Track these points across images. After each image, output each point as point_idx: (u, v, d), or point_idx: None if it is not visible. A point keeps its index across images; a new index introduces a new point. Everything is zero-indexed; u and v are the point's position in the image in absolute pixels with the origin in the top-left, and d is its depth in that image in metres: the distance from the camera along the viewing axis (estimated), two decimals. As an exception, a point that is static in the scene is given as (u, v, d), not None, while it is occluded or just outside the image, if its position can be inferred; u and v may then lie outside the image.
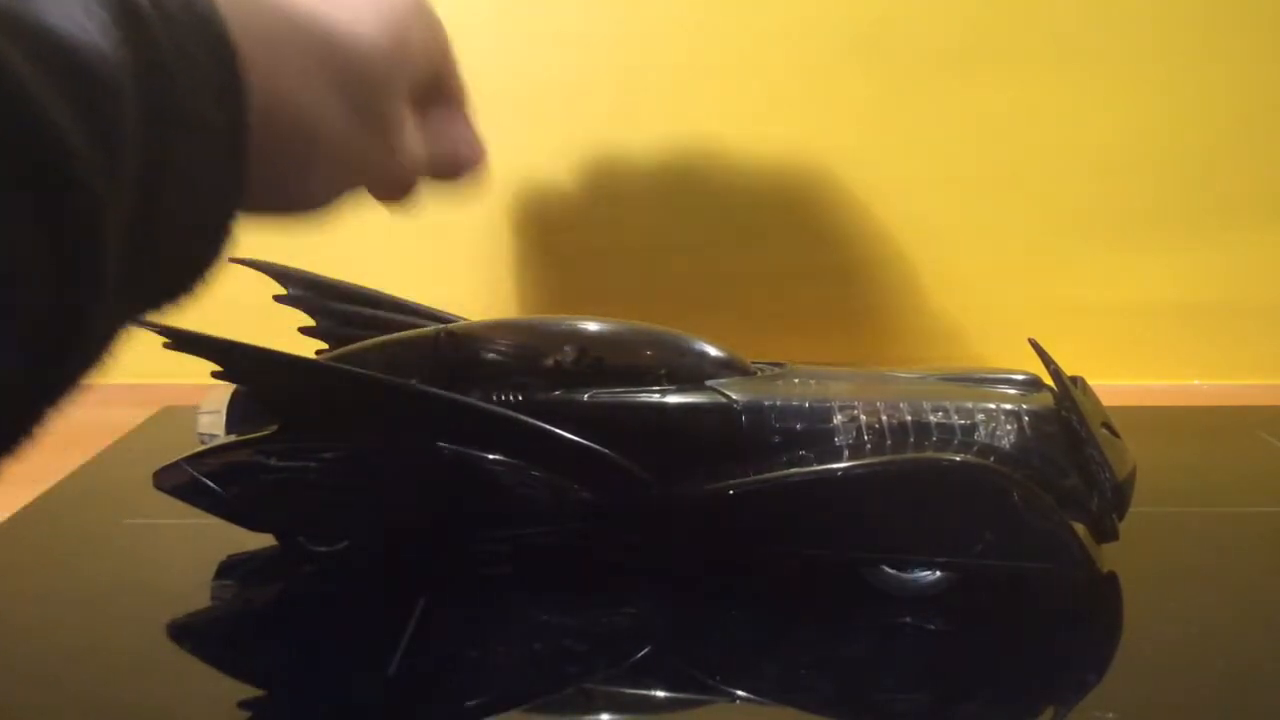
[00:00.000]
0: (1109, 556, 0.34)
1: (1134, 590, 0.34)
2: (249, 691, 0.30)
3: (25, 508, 0.40)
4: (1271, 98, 0.56)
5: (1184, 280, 0.58)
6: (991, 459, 0.32)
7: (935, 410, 0.33)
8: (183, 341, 0.32)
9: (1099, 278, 0.58)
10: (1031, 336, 0.35)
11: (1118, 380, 0.59)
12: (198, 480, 0.34)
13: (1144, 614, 0.33)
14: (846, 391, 0.34)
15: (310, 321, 0.41)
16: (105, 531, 0.39)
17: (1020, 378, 0.36)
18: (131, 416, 0.49)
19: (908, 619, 0.32)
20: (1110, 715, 0.27)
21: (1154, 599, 0.34)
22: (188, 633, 0.33)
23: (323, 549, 0.36)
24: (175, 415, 0.49)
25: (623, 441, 0.33)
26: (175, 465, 0.35)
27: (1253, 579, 0.35)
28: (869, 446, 0.33)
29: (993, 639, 0.32)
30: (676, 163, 0.58)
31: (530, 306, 0.59)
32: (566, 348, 0.34)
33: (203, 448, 0.35)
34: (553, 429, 0.32)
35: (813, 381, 0.35)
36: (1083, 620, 0.33)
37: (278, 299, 0.41)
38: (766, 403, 0.34)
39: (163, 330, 0.31)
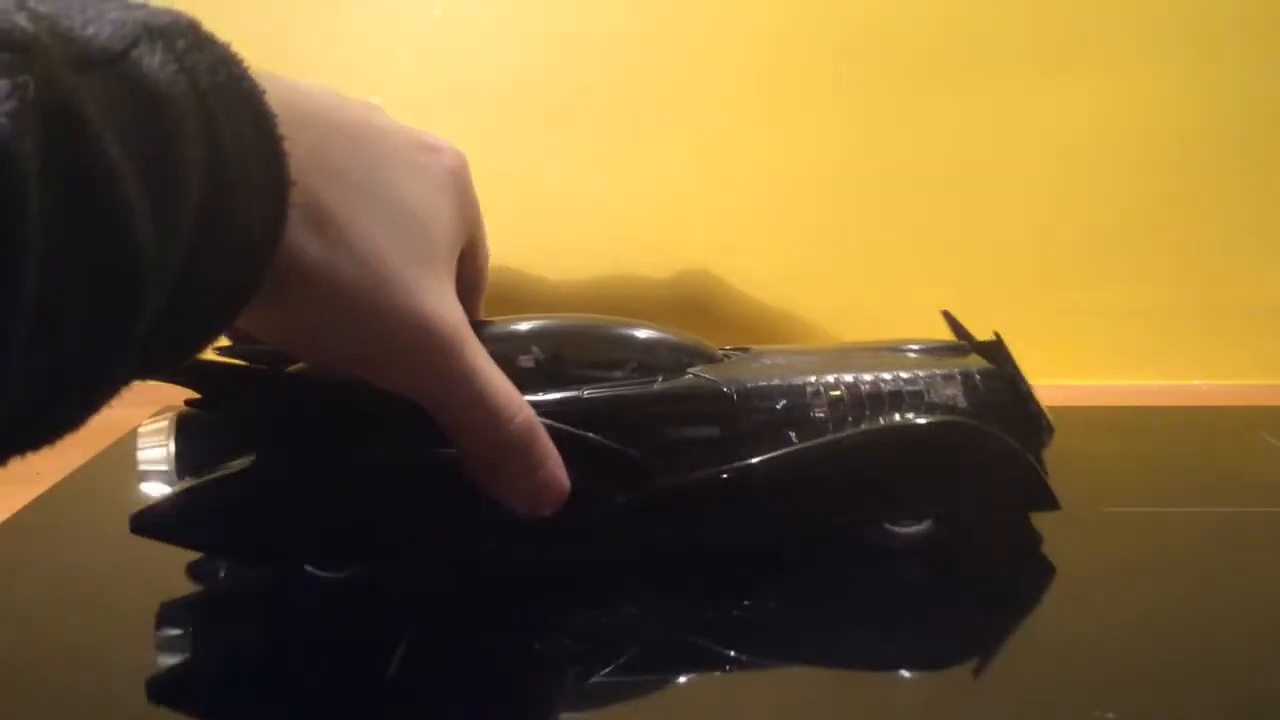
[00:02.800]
0: (1110, 557, 0.33)
1: (1134, 590, 0.34)
2: (249, 691, 0.30)
3: (25, 508, 0.40)
4: (1272, 98, 0.56)
5: (1183, 280, 0.58)
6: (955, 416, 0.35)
7: (895, 378, 0.36)
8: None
9: (1098, 278, 0.58)
10: (946, 309, 0.42)
11: (1118, 380, 0.59)
12: (187, 517, 0.32)
13: (1143, 613, 0.33)
14: (814, 368, 0.36)
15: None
16: (105, 531, 0.39)
17: (942, 344, 0.40)
18: (131, 416, 0.49)
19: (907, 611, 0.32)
20: (1110, 715, 0.27)
21: (1153, 599, 0.34)
22: (188, 633, 0.33)
23: (331, 574, 0.34)
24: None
25: (624, 436, 0.33)
26: (156, 506, 0.32)
27: (1253, 579, 0.35)
28: (850, 418, 0.35)
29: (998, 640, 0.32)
30: (676, 163, 0.58)
31: (530, 306, 0.59)
32: (534, 348, 0.33)
33: (185, 485, 0.33)
34: (567, 427, 0.32)
35: (780, 361, 0.37)
36: (1083, 621, 0.33)
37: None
38: (750, 384, 0.35)
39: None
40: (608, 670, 0.30)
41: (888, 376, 0.36)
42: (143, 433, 0.34)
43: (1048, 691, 0.29)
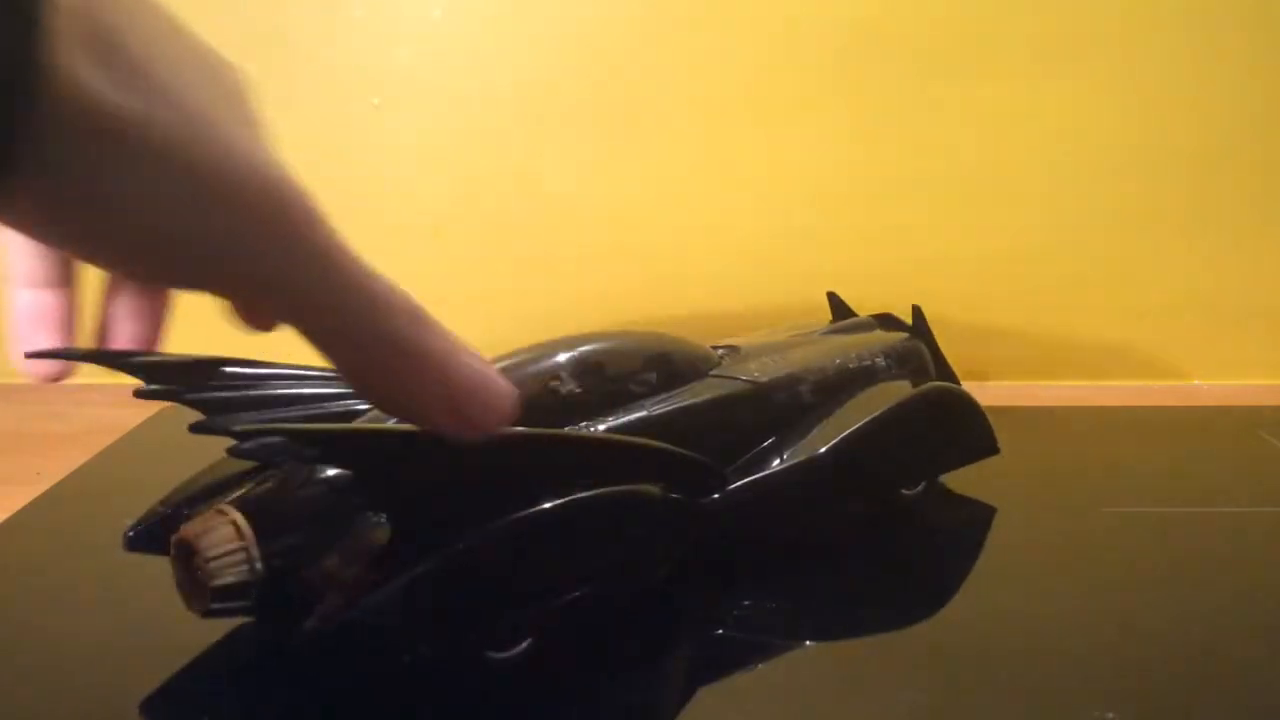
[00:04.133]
0: (1111, 558, 0.33)
1: (1134, 590, 0.34)
2: (249, 691, 0.30)
3: (25, 508, 0.40)
4: (1272, 97, 0.56)
5: (1184, 280, 0.58)
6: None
7: (853, 358, 0.38)
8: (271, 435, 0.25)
9: (1099, 278, 0.58)
10: (832, 290, 0.47)
11: (1118, 380, 0.59)
12: (412, 614, 0.26)
13: (1144, 614, 0.33)
14: (798, 359, 0.38)
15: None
16: (105, 531, 0.39)
17: (862, 320, 0.44)
18: (131, 416, 0.49)
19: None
20: (1110, 715, 0.27)
21: (1154, 599, 0.34)
22: (188, 633, 0.33)
23: (503, 654, 0.29)
24: (175, 415, 0.48)
25: (690, 444, 0.33)
26: (372, 605, 0.26)
27: (1253, 579, 0.35)
28: (838, 398, 0.37)
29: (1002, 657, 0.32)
30: (676, 163, 0.58)
31: (531, 306, 0.59)
32: (573, 376, 0.32)
33: (404, 580, 0.26)
34: (657, 442, 0.31)
35: (767, 357, 0.38)
36: (1083, 620, 0.33)
37: (139, 394, 0.30)
38: (767, 379, 0.36)
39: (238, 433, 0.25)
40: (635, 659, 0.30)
41: (853, 356, 0.39)
42: (211, 553, 0.27)
43: (1048, 691, 0.29)
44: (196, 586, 0.27)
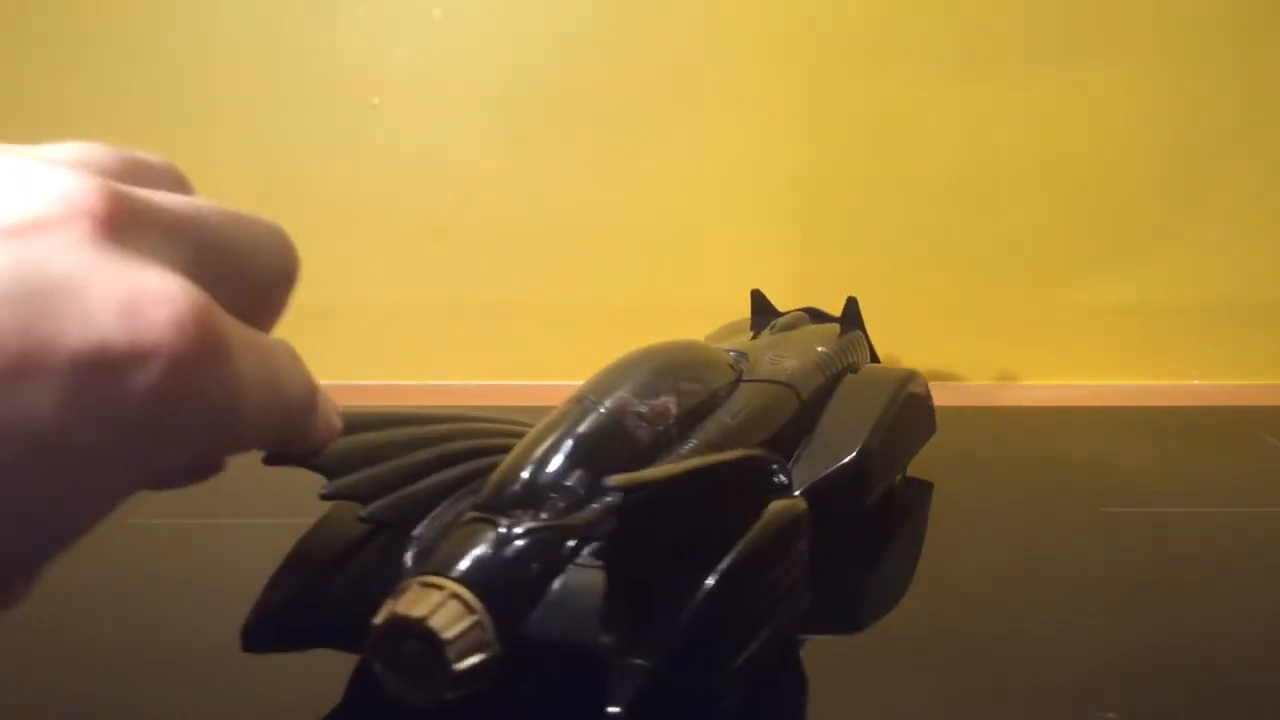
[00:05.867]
0: (1111, 558, 0.33)
1: (1134, 590, 0.34)
2: (248, 691, 0.30)
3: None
4: (1272, 97, 0.56)
5: (1184, 280, 0.58)
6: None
7: (834, 353, 0.39)
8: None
9: (1099, 278, 0.58)
10: (755, 288, 0.47)
11: (1118, 380, 0.59)
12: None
13: (1143, 614, 0.33)
14: (794, 356, 0.38)
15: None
16: (105, 531, 0.39)
17: (798, 315, 0.45)
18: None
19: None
20: (1110, 715, 0.27)
21: (1153, 599, 0.34)
22: (188, 633, 0.33)
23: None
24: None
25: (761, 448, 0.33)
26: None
27: (1253, 579, 0.35)
28: (826, 392, 0.37)
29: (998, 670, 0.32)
30: (676, 163, 0.58)
31: (531, 306, 0.59)
32: (662, 417, 0.30)
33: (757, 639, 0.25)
34: (750, 452, 0.31)
35: (771, 357, 0.38)
36: (1082, 621, 0.33)
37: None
38: (798, 381, 0.36)
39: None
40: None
41: (821, 349, 0.39)
42: (448, 633, 0.23)
43: (1048, 691, 0.29)
44: (424, 673, 0.23)
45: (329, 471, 0.25)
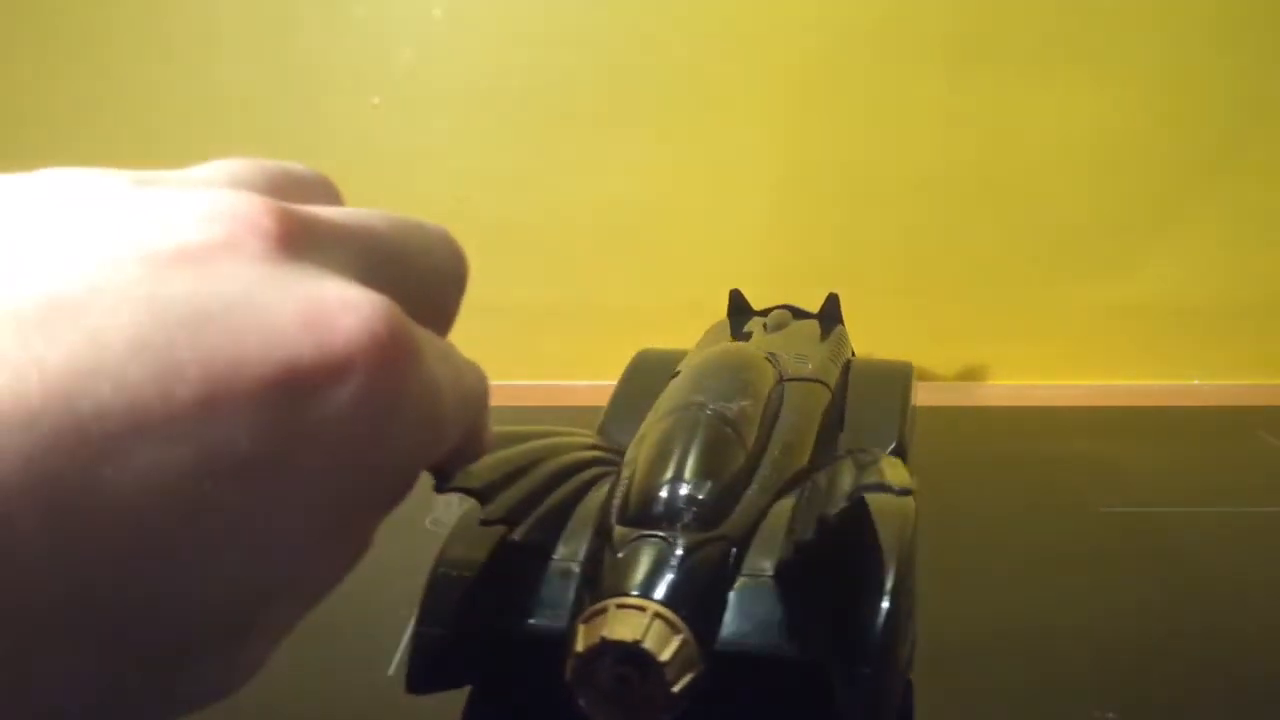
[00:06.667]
0: (1110, 558, 0.33)
1: (1133, 590, 0.34)
2: (248, 691, 0.30)
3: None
4: (1272, 97, 0.56)
5: (1183, 280, 0.58)
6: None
7: (835, 348, 0.39)
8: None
9: (1099, 278, 0.58)
10: (734, 288, 0.47)
11: (1118, 380, 0.59)
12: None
13: (1143, 613, 0.33)
14: (810, 353, 0.37)
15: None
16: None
17: (783, 314, 0.44)
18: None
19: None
20: (1110, 715, 0.27)
21: (1153, 599, 0.34)
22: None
23: None
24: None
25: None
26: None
27: (1253, 579, 0.35)
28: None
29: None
30: (677, 164, 0.58)
31: (531, 306, 0.59)
32: (739, 422, 0.29)
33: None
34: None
35: (793, 356, 0.37)
36: (1082, 621, 0.33)
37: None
38: (830, 380, 0.36)
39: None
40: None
41: (826, 345, 0.39)
42: (665, 656, 0.22)
43: (1048, 691, 0.29)
44: (637, 698, 0.22)
45: (483, 495, 0.24)
